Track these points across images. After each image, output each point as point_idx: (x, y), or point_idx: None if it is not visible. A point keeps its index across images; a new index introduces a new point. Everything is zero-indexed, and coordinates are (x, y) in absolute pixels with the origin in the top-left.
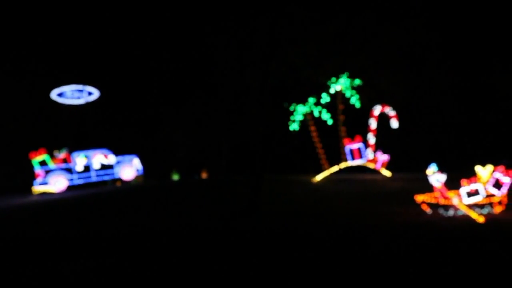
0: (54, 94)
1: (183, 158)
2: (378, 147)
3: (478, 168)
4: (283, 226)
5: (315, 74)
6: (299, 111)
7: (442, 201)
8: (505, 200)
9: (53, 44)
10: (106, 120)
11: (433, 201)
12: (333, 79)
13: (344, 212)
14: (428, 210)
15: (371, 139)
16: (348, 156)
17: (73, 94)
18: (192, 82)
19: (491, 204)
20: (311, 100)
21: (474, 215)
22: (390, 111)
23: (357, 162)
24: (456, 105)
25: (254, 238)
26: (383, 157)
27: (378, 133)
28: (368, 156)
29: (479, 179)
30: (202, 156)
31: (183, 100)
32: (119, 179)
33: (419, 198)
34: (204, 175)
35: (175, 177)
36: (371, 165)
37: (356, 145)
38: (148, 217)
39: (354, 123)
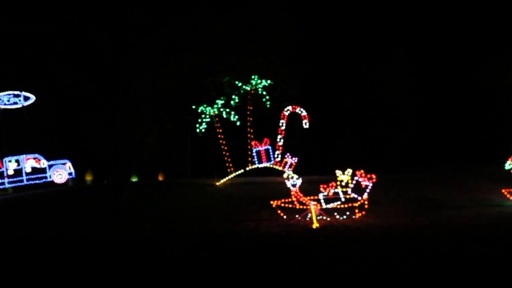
0: None
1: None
2: (287, 149)
3: (337, 172)
4: (119, 232)
5: (225, 75)
6: (207, 113)
7: (298, 206)
8: (367, 205)
9: None
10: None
11: (289, 205)
12: (243, 80)
13: (204, 217)
14: (283, 215)
15: (280, 140)
16: (255, 159)
17: (9, 100)
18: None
19: (352, 209)
20: (220, 101)
21: (314, 220)
22: (301, 111)
23: (264, 164)
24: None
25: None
26: (292, 160)
27: (292, 135)
28: (275, 158)
29: (338, 183)
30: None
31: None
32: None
33: (274, 203)
34: (160, 177)
35: (134, 179)
36: (279, 168)
37: (263, 147)
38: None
39: (265, 124)
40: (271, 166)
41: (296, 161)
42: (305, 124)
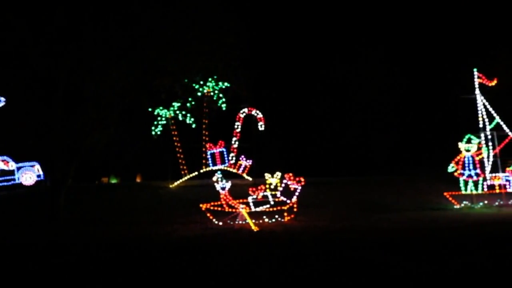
0: None
1: (130, 160)
2: (241, 151)
3: (267, 175)
4: (38, 237)
5: (175, 77)
6: (163, 115)
7: (227, 209)
8: (296, 208)
9: None
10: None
11: (218, 209)
12: (201, 82)
13: (134, 220)
14: (212, 218)
15: (235, 143)
16: (209, 161)
17: None
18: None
19: (281, 213)
20: (176, 104)
21: (251, 224)
22: (257, 114)
23: (218, 167)
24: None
25: None
26: (246, 162)
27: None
28: (230, 160)
29: (267, 186)
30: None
31: None
32: None
33: (204, 206)
34: (138, 179)
35: (113, 180)
36: (233, 170)
37: (218, 150)
38: None
39: (221, 126)
40: (225, 168)
41: (250, 163)
42: (261, 126)
